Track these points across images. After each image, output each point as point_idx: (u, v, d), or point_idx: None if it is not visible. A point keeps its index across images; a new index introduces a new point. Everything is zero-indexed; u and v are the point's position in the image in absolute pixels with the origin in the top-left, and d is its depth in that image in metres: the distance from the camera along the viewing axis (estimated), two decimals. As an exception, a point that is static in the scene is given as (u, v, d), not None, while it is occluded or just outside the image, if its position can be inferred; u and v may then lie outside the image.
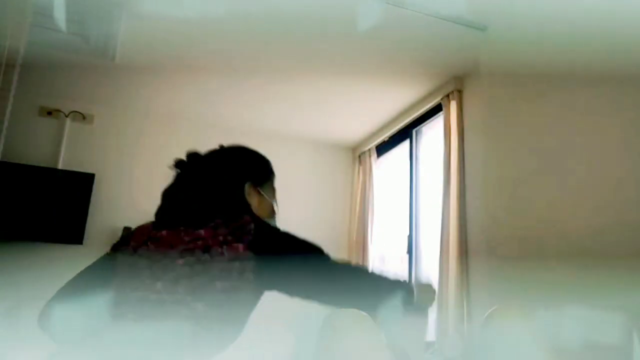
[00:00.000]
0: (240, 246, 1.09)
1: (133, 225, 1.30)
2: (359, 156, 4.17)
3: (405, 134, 3.61)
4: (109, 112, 3.68)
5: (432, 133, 3.40)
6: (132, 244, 1.18)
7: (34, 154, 3.41)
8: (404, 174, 3.58)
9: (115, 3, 2.44)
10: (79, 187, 3.39)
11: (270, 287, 1.12)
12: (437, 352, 2.31)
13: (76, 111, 3.59)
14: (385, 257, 3.77)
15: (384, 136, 3.81)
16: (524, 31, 2.40)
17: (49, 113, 3.54)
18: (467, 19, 2.47)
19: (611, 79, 1.95)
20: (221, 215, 1.15)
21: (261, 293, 1.13)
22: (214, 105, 3.62)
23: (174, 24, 2.59)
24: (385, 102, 3.46)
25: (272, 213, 1.36)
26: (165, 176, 1.29)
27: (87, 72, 3.19)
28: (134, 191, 3.43)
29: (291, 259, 1.13)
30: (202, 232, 1.12)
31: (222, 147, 1.33)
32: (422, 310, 1.25)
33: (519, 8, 2.32)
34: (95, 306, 1.10)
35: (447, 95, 3.04)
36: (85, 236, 3.33)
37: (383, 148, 3.91)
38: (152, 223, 1.23)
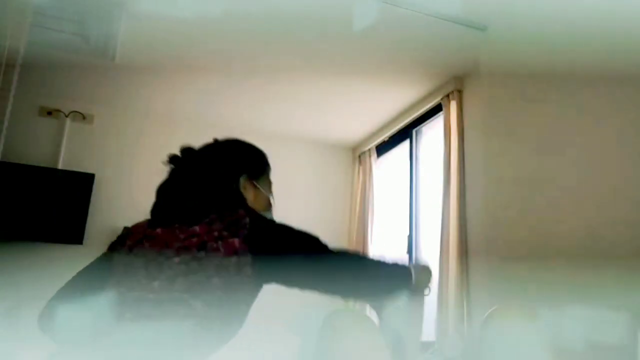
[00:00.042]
0: (236, 241, 1.07)
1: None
2: (359, 156, 4.17)
3: (405, 134, 3.61)
4: (109, 112, 3.68)
5: (432, 133, 3.40)
6: (128, 243, 1.17)
7: (34, 154, 3.41)
8: (404, 174, 3.58)
9: (115, 3, 2.44)
10: (79, 187, 3.39)
11: (269, 280, 1.11)
12: (437, 352, 2.31)
13: (76, 111, 3.59)
14: (385, 257, 3.76)
15: (384, 136, 3.81)
16: (524, 31, 2.40)
17: (49, 113, 3.54)
18: (467, 19, 2.47)
19: (611, 79, 1.95)
20: (216, 210, 1.14)
21: (260, 287, 1.12)
22: (214, 105, 3.62)
23: (174, 24, 2.59)
24: (385, 102, 3.46)
25: (269, 206, 1.35)
26: (165, 176, 1.29)
27: (87, 72, 3.19)
28: (134, 191, 3.41)
29: (289, 250, 1.11)
30: (197, 228, 1.10)
31: (216, 141, 1.32)
32: (419, 292, 1.24)
33: (518, 8, 2.32)
34: (95, 306, 1.10)
35: (447, 95, 3.04)
36: (85, 236, 3.33)
37: (383, 148, 3.90)
38: (148, 221, 1.22)
